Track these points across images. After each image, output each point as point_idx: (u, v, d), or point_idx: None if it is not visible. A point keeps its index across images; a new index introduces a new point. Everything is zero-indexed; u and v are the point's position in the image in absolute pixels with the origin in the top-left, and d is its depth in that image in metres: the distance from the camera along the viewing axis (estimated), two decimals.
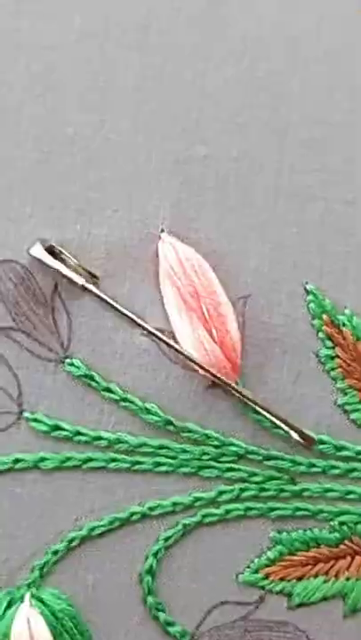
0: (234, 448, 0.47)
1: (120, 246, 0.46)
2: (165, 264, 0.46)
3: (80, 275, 0.45)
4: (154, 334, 0.46)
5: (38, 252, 0.45)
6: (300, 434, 0.47)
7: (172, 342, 0.46)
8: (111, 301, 0.45)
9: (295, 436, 0.47)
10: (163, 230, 0.47)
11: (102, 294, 0.45)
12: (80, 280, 0.45)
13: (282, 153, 0.47)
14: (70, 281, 0.45)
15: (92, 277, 0.46)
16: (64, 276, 0.45)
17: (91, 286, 0.45)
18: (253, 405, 0.46)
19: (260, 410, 0.46)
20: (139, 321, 0.45)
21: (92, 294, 0.46)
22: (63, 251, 0.45)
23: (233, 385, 0.46)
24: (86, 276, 0.45)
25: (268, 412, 0.46)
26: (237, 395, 0.46)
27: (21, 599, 0.45)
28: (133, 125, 0.46)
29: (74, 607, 0.46)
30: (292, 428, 0.46)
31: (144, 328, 0.46)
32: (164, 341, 0.46)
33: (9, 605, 0.45)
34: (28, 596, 0.45)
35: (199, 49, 0.47)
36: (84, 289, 0.45)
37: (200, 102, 0.47)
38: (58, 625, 0.45)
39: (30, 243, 0.45)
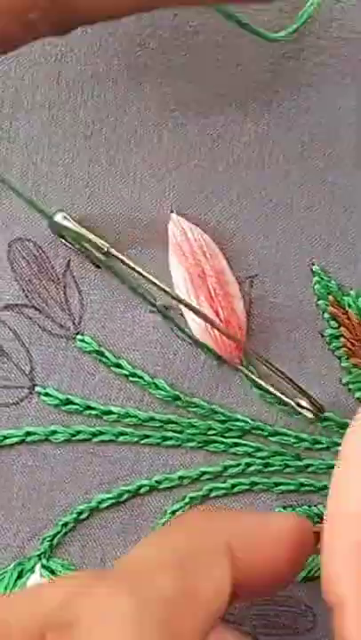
0: (240, 423, 0.48)
1: (130, 226, 0.47)
2: (174, 244, 0.47)
3: (94, 248, 0.46)
4: (168, 293, 0.46)
5: (62, 219, 0.46)
6: (311, 400, 0.47)
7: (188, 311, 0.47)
8: (134, 265, 0.46)
9: (305, 403, 0.47)
10: (172, 211, 0.48)
11: (125, 259, 0.46)
12: (105, 245, 0.46)
13: (293, 137, 0.47)
14: (87, 255, 0.46)
15: (105, 251, 0.47)
16: (82, 250, 0.46)
17: (113, 250, 0.46)
18: (259, 381, 0.47)
19: (264, 384, 0.47)
20: (162, 285, 0.46)
21: (104, 271, 0.47)
22: (74, 223, 0.46)
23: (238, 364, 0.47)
24: (98, 249, 0.47)
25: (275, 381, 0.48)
26: (246, 372, 0.48)
27: (32, 570, 0.46)
28: (145, 107, 0.47)
29: None
30: (303, 393, 0.48)
31: (166, 292, 0.46)
32: (171, 319, 0.47)
33: (19, 576, 0.46)
34: (38, 566, 0.46)
35: (213, 29, 0.47)
36: (108, 255, 0.46)
37: (213, 84, 0.47)
38: None
39: (43, 222, 0.46)
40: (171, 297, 0.46)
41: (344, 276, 0.48)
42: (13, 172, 0.47)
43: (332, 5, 0.46)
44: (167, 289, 0.46)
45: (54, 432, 0.47)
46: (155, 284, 0.46)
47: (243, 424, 0.48)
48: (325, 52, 0.46)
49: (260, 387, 0.47)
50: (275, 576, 0.38)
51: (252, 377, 0.47)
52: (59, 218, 0.46)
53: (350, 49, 0.47)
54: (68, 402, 0.47)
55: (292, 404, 0.47)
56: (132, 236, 0.47)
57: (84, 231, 0.46)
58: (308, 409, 0.47)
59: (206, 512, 0.42)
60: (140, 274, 0.46)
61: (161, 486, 0.47)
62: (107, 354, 0.47)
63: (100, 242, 0.46)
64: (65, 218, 0.45)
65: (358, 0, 0.47)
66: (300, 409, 0.47)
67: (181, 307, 0.47)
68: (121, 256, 0.46)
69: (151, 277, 0.46)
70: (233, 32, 0.45)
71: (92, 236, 0.46)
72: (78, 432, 0.47)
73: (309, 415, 0.47)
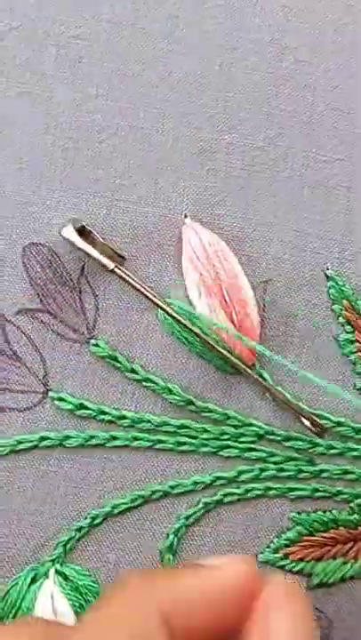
0: (253, 428, 0.47)
1: (145, 231, 0.47)
2: (188, 249, 0.46)
3: (108, 255, 0.46)
4: (173, 317, 0.46)
5: (69, 233, 0.46)
6: (312, 422, 0.47)
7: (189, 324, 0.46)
8: (136, 284, 0.45)
9: (307, 423, 0.47)
10: (186, 216, 0.47)
11: (130, 275, 0.45)
12: (110, 264, 0.45)
13: (307, 142, 0.47)
14: (98, 262, 0.46)
15: (119, 257, 0.46)
16: (92, 258, 0.46)
17: (119, 270, 0.45)
18: (265, 390, 0.47)
19: (273, 394, 0.47)
20: (160, 303, 0.46)
21: (117, 277, 0.46)
22: (93, 231, 0.46)
23: (248, 370, 0.47)
24: (114, 257, 0.46)
25: (278, 397, 0.47)
26: (253, 377, 0.47)
27: (45, 575, 0.46)
28: (160, 113, 0.47)
29: (97, 583, 0.46)
30: (304, 415, 0.47)
31: (164, 310, 0.46)
32: (181, 322, 0.46)
33: (33, 580, 0.45)
34: (52, 571, 0.46)
35: (227, 39, 0.47)
36: (113, 272, 0.46)
37: (226, 91, 0.47)
38: (80, 600, 0.45)
39: (58, 227, 0.46)
40: (172, 317, 0.46)
41: (359, 280, 0.47)
42: (28, 176, 0.47)
43: None
44: (165, 306, 0.46)
45: (68, 437, 0.46)
46: (153, 301, 0.46)
47: (257, 429, 0.47)
48: None
49: (271, 393, 0.47)
50: (222, 629, 0.38)
51: (264, 384, 0.47)
52: (65, 232, 0.46)
53: None
54: (82, 407, 0.46)
55: (303, 420, 0.47)
56: (147, 240, 0.47)
57: (88, 248, 0.45)
58: (310, 429, 0.47)
59: (144, 581, 0.41)
60: (141, 292, 0.46)
61: (174, 491, 0.47)
62: (120, 359, 0.46)
63: (105, 261, 0.45)
64: (74, 228, 0.46)
65: None
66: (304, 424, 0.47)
67: (194, 305, 0.47)
68: (125, 275, 0.45)
69: (149, 294, 0.46)
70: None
71: (96, 255, 0.45)
72: (92, 437, 0.46)
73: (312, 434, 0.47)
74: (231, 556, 0.42)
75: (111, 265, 0.45)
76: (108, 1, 0.47)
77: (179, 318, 0.46)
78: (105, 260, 0.45)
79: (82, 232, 0.46)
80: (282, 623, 0.35)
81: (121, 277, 0.46)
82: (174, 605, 0.36)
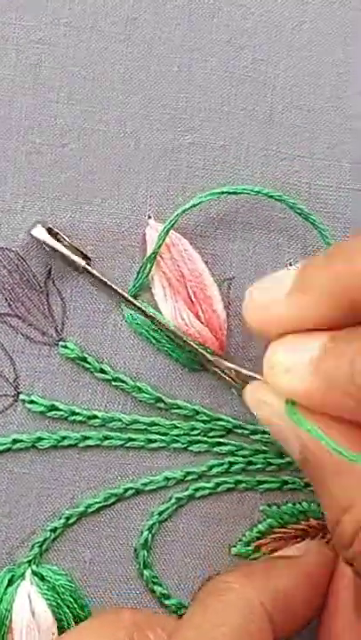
0: (222, 423, 0.47)
1: (110, 233, 0.47)
2: (152, 249, 0.47)
3: (74, 254, 0.46)
4: (145, 312, 0.46)
5: (40, 232, 0.45)
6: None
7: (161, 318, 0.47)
8: (106, 282, 0.46)
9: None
10: (150, 217, 0.47)
11: (101, 276, 0.46)
12: (81, 262, 0.45)
13: (268, 140, 0.47)
14: (68, 262, 0.46)
15: (85, 258, 0.46)
16: (64, 257, 0.45)
17: (90, 268, 0.45)
18: (230, 385, 0.47)
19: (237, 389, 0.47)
20: (131, 299, 0.46)
21: (85, 278, 0.46)
22: (60, 232, 0.46)
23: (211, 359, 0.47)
24: (80, 257, 0.46)
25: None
26: (218, 371, 0.47)
27: (22, 576, 0.46)
28: (122, 116, 0.46)
29: (73, 582, 0.46)
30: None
31: (135, 305, 0.46)
32: (152, 318, 0.47)
33: (10, 582, 0.45)
34: (28, 572, 0.46)
35: (185, 39, 0.47)
36: (84, 270, 0.45)
37: (187, 92, 0.47)
38: (58, 599, 0.45)
39: (23, 232, 0.46)
40: (144, 314, 0.46)
41: None
42: None
43: None
44: (138, 304, 0.46)
45: (40, 439, 0.46)
46: (128, 300, 0.46)
47: (225, 423, 0.47)
48: None
49: (236, 389, 0.47)
50: (310, 616, 0.43)
51: (228, 379, 0.47)
52: (36, 231, 0.45)
53: None
54: (53, 408, 0.46)
55: None
56: (112, 242, 0.47)
57: (59, 247, 0.45)
58: None
59: (241, 578, 0.43)
60: (112, 289, 0.46)
61: (147, 488, 0.47)
62: (89, 359, 0.46)
63: (76, 259, 0.45)
64: (44, 229, 0.46)
65: None
66: None
67: (160, 307, 0.47)
68: (97, 273, 0.45)
69: (124, 294, 0.46)
70: None
71: (67, 252, 0.45)
72: (64, 438, 0.46)
73: None
74: (309, 544, 0.46)
75: (82, 262, 0.45)
76: (67, 4, 0.47)
77: (151, 314, 0.46)
78: (76, 258, 0.45)
79: (49, 233, 0.46)
80: None
81: (92, 275, 0.46)
82: (274, 603, 0.41)
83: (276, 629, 0.40)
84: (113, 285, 0.46)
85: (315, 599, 0.43)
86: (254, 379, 0.44)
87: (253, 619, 0.40)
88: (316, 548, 0.45)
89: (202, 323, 0.46)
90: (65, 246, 0.45)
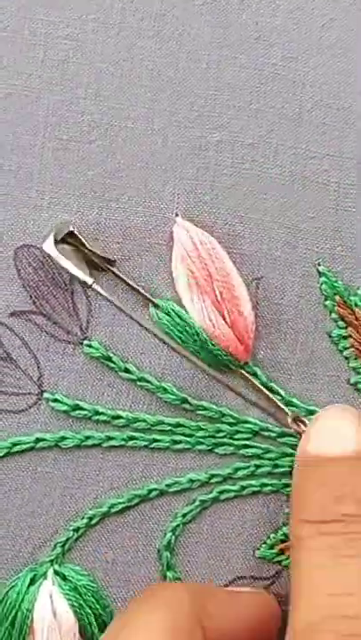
0: (248, 425, 0.46)
1: (136, 231, 0.46)
2: (180, 248, 0.46)
3: (96, 259, 0.46)
4: (146, 328, 0.46)
5: (50, 247, 0.45)
6: (295, 419, 0.47)
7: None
8: (115, 301, 0.45)
9: (293, 426, 0.47)
10: (177, 215, 0.47)
11: (107, 295, 0.45)
12: (89, 280, 0.45)
13: (297, 138, 0.46)
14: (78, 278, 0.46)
15: (109, 262, 0.46)
16: (74, 272, 0.45)
17: (98, 287, 0.45)
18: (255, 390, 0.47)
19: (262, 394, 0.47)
20: (154, 300, 0.46)
21: (110, 276, 0.46)
22: (80, 235, 0.45)
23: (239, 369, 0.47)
24: (102, 260, 0.46)
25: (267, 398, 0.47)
26: (243, 375, 0.47)
27: (44, 575, 0.45)
28: (150, 113, 0.46)
29: (95, 582, 0.46)
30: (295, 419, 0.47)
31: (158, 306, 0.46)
32: (157, 335, 0.46)
33: (32, 582, 0.45)
34: (50, 572, 0.45)
35: (214, 36, 0.46)
36: (89, 287, 0.45)
37: (215, 89, 0.46)
38: (80, 600, 0.45)
39: (49, 229, 0.45)
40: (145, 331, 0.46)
41: (351, 276, 0.47)
42: (18, 178, 0.46)
43: None
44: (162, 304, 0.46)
45: (64, 438, 0.46)
46: (151, 301, 0.46)
47: (252, 426, 0.47)
48: None
49: (261, 391, 0.47)
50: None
51: (255, 382, 0.46)
52: (46, 246, 0.45)
53: None
54: (77, 407, 0.46)
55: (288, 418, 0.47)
56: (139, 240, 0.46)
57: (66, 264, 0.45)
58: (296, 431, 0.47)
59: (180, 587, 0.44)
60: (122, 309, 0.45)
61: (171, 490, 0.46)
62: (114, 359, 0.46)
63: (83, 277, 0.45)
64: (52, 245, 0.45)
65: None
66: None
67: (187, 307, 0.46)
68: (103, 292, 0.45)
69: (148, 295, 0.46)
70: None
71: (74, 270, 0.45)
72: (88, 437, 0.46)
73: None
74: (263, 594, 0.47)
75: (90, 281, 0.45)
76: (95, 1, 0.46)
77: (153, 331, 0.46)
78: (82, 276, 0.45)
79: (70, 236, 0.45)
80: None
81: (99, 293, 0.45)
82: (209, 606, 0.42)
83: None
84: (137, 287, 0.46)
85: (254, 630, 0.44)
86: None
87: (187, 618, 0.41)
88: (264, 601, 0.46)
89: (227, 324, 0.45)
90: (85, 249, 0.45)
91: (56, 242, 0.45)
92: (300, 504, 0.42)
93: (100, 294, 0.45)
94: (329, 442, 0.43)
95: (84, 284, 0.45)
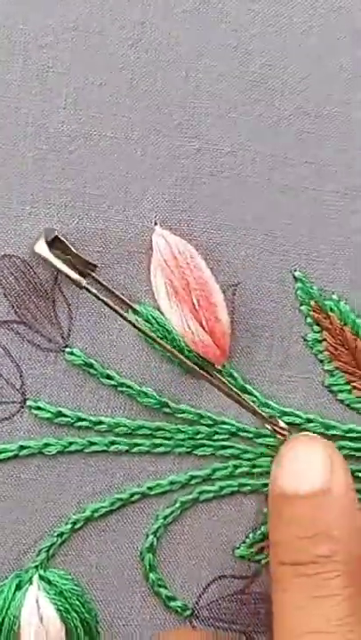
0: (226, 426, 0.46)
1: (116, 239, 0.46)
2: (158, 256, 0.45)
3: (80, 264, 0.45)
4: (137, 327, 0.46)
5: (42, 249, 0.44)
6: (274, 428, 0.47)
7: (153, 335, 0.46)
8: (108, 301, 0.44)
9: (268, 426, 0.47)
10: (156, 223, 0.46)
11: (98, 294, 0.44)
12: (82, 281, 0.44)
13: (275, 146, 0.46)
14: (70, 278, 0.45)
15: (91, 267, 0.45)
16: (66, 272, 0.45)
17: (89, 287, 0.44)
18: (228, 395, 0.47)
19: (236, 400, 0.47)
20: (134, 306, 0.46)
21: (91, 284, 0.45)
22: (66, 241, 0.44)
23: (208, 375, 0.46)
24: (85, 265, 0.45)
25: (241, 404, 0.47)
26: (215, 383, 0.47)
27: (30, 581, 0.45)
28: (129, 122, 0.45)
29: (79, 586, 0.46)
30: (264, 420, 0.47)
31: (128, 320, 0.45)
32: (146, 334, 0.46)
33: (18, 587, 0.45)
34: (35, 577, 0.45)
35: (193, 44, 0.45)
36: (84, 288, 0.44)
37: (194, 98, 0.45)
38: (65, 604, 0.45)
39: (30, 239, 0.45)
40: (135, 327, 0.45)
41: (326, 281, 0.47)
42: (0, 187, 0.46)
43: None
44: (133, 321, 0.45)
45: (47, 445, 0.45)
46: (132, 307, 0.46)
47: (229, 427, 0.47)
48: None
49: (233, 399, 0.46)
50: None
51: (230, 387, 0.46)
52: (38, 247, 0.44)
53: None
54: (60, 414, 0.45)
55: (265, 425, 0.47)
56: (118, 248, 0.46)
57: (60, 264, 0.44)
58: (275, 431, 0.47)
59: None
60: (113, 308, 0.45)
61: (153, 492, 0.46)
62: (95, 365, 0.45)
63: (76, 277, 0.44)
64: (46, 242, 0.44)
65: None
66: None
67: (165, 314, 0.46)
68: (97, 292, 0.44)
69: (128, 301, 0.45)
70: None
71: (67, 270, 0.44)
72: (70, 443, 0.45)
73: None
74: None
75: (83, 281, 0.44)
76: (75, 9, 0.45)
77: (144, 330, 0.45)
78: (75, 276, 0.44)
79: (54, 242, 0.45)
80: None
81: (98, 282, 0.45)
82: None
83: None
84: (117, 293, 0.45)
85: None
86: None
87: None
88: None
89: (205, 331, 0.45)
90: (71, 255, 0.45)
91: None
92: (275, 544, 0.43)
93: (91, 292, 0.44)
94: (297, 478, 0.42)
95: (77, 284, 0.44)
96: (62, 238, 0.44)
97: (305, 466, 0.43)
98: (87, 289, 0.44)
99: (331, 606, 0.40)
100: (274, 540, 0.43)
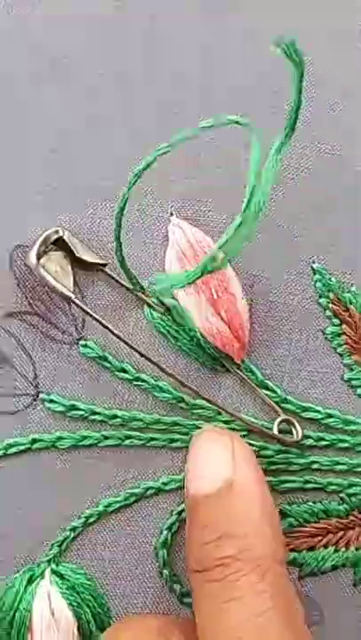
0: (243, 422, 0.46)
1: (131, 230, 0.45)
2: (175, 247, 0.45)
3: (84, 266, 0.44)
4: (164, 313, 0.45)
5: (32, 262, 0.43)
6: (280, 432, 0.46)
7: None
8: (95, 315, 0.43)
9: (275, 431, 0.46)
10: (172, 214, 0.46)
11: (86, 308, 0.43)
12: (70, 295, 0.43)
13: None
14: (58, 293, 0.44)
15: (100, 265, 0.45)
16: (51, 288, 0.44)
17: (77, 301, 0.43)
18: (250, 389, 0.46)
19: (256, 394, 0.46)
20: (148, 300, 0.45)
21: (104, 275, 0.45)
22: (70, 242, 0.44)
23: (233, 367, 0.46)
24: (92, 266, 0.44)
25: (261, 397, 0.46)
26: (238, 374, 0.46)
27: (41, 575, 0.44)
28: (144, 114, 0.45)
29: (92, 581, 0.45)
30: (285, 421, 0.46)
31: (151, 306, 0.45)
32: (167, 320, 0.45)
33: (30, 581, 0.44)
34: (48, 571, 0.45)
35: (205, 39, 0.45)
36: (70, 300, 0.43)
37: (210, 88, 0.45)
38: (77, 598, 0.44)
39: (44, 228, 0.44)
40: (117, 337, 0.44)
41: (345, 273, 0.46)
42: (13, 180, 0.45)
43: None
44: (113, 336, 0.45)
45: (60, 438, 0.45)
46: (145, 301, 0.45)
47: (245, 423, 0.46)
48: None
49: (254, 391, 0.46)
50: None
51: (249, 382, 0.46)
52: (29, 261, 0.43)
53: None
54: (73, 408, 0.44)
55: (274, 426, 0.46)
56: (134, 240, 0.45)
57: (49, 278, 0.43)
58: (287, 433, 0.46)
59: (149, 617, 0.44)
60: (99, 320, 0.44)
61: (167, 487, 0.45)
62: (110, 359, 0.45)
63: (65, 291, 0.43)
64: (35, 259, 0.43)
65: None
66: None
67: (183, 304, 0.45)
68: (84, 307, 0.43)
69: (142, 295, 0.45)
70: None
71: (56, 284, 0.43)
72: (84, 437, 0.45)
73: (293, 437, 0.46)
74: None
75: (70, 294, 0.43)
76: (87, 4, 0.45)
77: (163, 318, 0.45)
78: (62, 289, 0.43)
79: (57, 241, 0.44)
80: None
81: (79, 307, 0.44)
82: None
83: None
84: (127, 285, 0.45)
85: None
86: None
87: None
88: None
89: (224, 322, 0.45)
90: (78, 250, 0.44)
91: (46, 247, 0.44)
92: (187, 552, 0.41)
93: (78, 307, 0.43)
94: (200, 478, 0.40)
95: (65, 298, 0.43)
96: (67, 240, 0.44)
97: (204, 464, 0.41)
98: (75, 303, 0.43)
99: (245, 606, 0.38)
100: (186, 546, 0.41)
